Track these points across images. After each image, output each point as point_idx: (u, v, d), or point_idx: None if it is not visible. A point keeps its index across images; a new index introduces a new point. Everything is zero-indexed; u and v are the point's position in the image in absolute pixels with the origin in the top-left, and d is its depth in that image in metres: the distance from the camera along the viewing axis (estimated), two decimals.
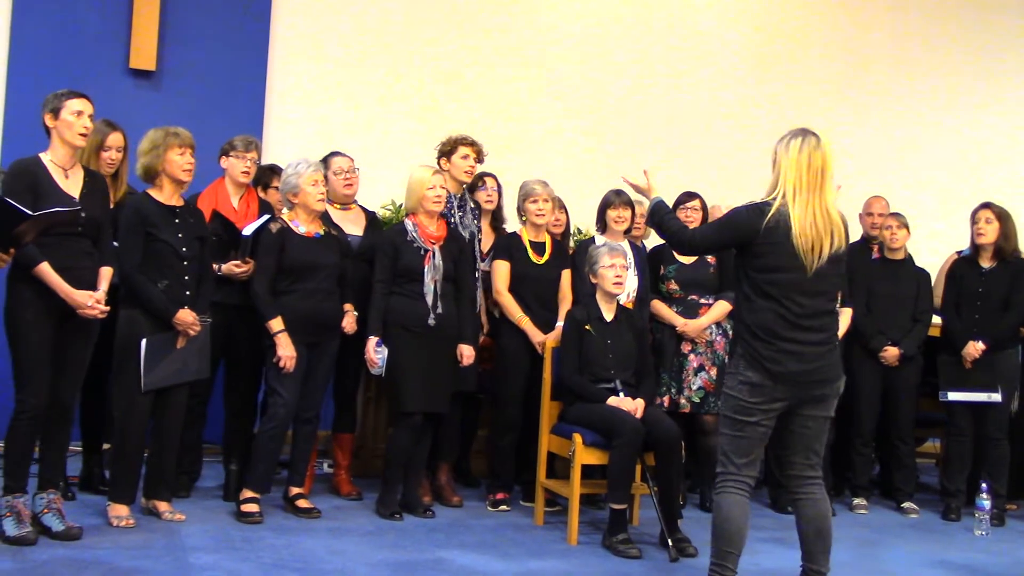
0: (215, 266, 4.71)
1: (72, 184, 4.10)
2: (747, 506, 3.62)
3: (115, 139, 4.72)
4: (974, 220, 5.67)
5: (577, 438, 4.63)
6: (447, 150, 5.31)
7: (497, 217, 5.78)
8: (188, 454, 4.96)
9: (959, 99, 8.48)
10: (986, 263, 5.64)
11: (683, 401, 5.36)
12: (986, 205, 5.67)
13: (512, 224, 5.80)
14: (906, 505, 5.71)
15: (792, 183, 3.53)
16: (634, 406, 4.66)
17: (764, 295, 3.54)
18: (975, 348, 5.51)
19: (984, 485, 5.33)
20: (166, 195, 4.43)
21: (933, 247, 6.20)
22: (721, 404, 3.74)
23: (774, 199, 3.56)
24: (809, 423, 3.63)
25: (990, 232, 5.59)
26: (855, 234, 6.42)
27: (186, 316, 4.34)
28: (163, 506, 4.53)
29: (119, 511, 4.37)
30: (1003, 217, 5.61)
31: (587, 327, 4.86)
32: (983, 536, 5.22)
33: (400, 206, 5.59)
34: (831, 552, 3.66)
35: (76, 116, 4.05)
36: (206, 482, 5.22)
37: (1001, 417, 5.59)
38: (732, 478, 3.61)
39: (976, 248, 5.67)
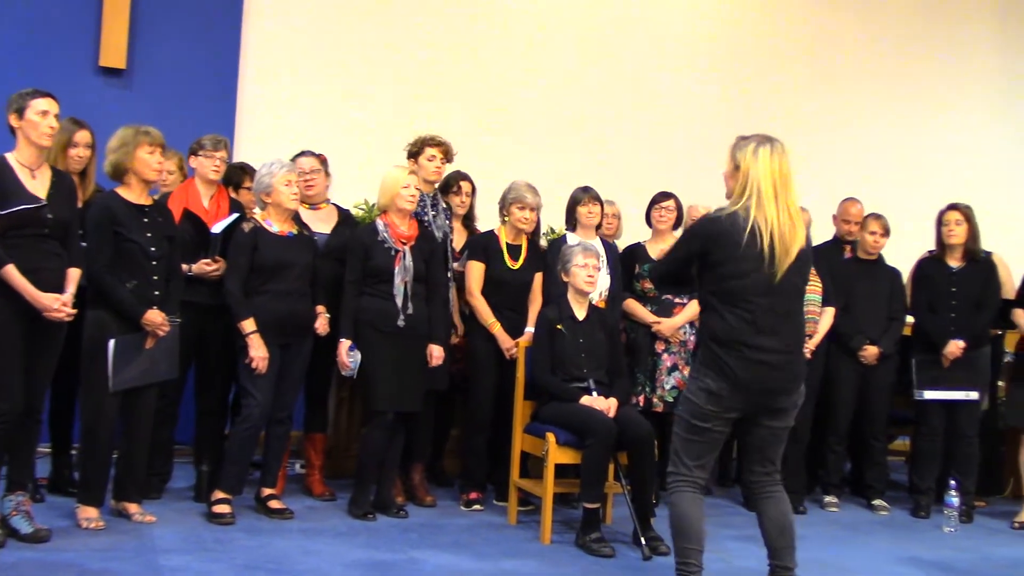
0: (185, 266, 4.68)
1: (39, 184, 4.06)
2: (701, 502, 3.63)
3: (83, 136, 4.67)
4: (943, 222, 5.71)
5: (550, 437, 4.63)
6: (414, 151, 5.30)
7: (469, 217, 5.77)
8: (159, 455, 4.91)
9: (926, 101, 8.57)
10: (954, 263, 5.69)
11: (656, 400, 5.38)
12: (954, 207, 5.72)
13: (484, 223, 5.79)
14: (877, 502, 5.76)
15: (768, 188, 3.51)
16: (607, 405, 4.67)
17: (728, 301, 3.53)
18: (957, 347, 5.55)
19: (953, 482, 5.39)
20: (135, 194, 4.39)
21: (900, 246, 6.25)
22: (679, 406, 3.74)
23: (738, 205, 3.54)
24: (765, 432, 3.63)
25: (960, 233, 5.64)
26: (826, 235, 6.48)
27: (155, 316, 4.31)
28: (133, 508, 4.49)
29: (88, 513, 4.33)
30: (970, 218, 5.68)
31: (559, 326, 4.87)
32: (952, 533, 5.28)
33: (373, 205, 5.57)
34: (796, 549, 3.67)
35: (41, 116, 4.01)
36: (177, 483, 5.17)
37: (973, 415, 5.65)
38: (683, 478, 3.62)
39: (943, 248, 5.72)
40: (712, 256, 3.53)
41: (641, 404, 5.34)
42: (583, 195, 5.43)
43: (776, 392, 3.56)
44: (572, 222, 5.46)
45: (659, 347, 5.41)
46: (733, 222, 3.50)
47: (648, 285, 5.51)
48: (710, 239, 3.53)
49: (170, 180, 5.09)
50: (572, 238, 5.37)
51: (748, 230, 3.48)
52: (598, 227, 5.51)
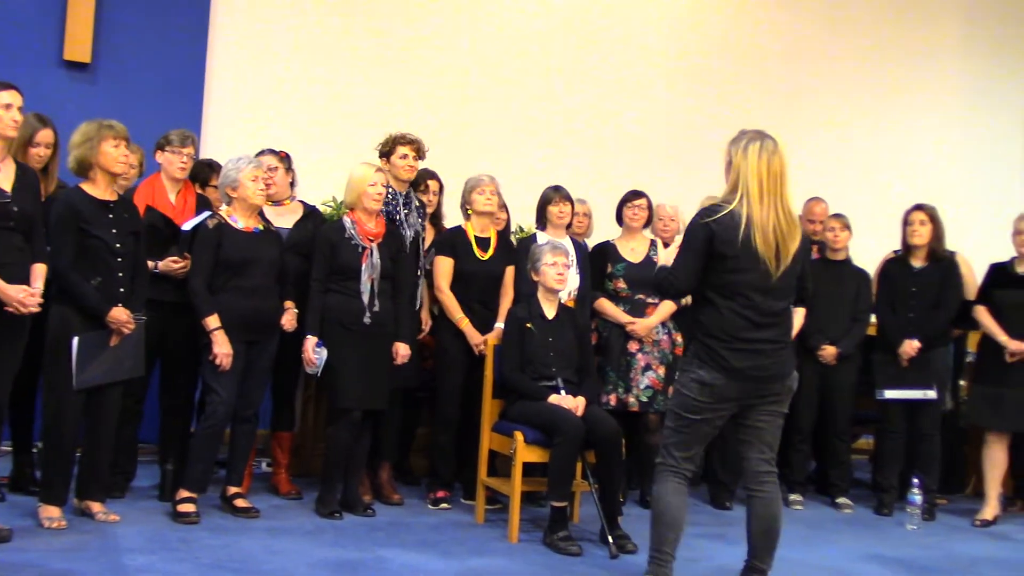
0: (152, 263, 4.63)
1: (3, 178, 4.00)
2: (685, 494, 3.68)
3: (45, 135, 4.59)
4: (907, 222, 5.77)
5: (518, 436, 4.63)
6: (386, 150, 5.28)
7: (437, 215, 5.77)
8: (123, 453, 4.86)
9: (892, 104, 8.67)
10: (918, 263, 5.75)
11: (631, 400, 5.38)
12: (919, 207, 5.78)
13: (452, 222, 5.78)
14: (841, 500, 5.81)
15: (754, 187, 3.54)
16: (575, 404, 4.68)
17: (725, 296, 3.57)
18: (911, 346, 5.61)
19: (915, 480, 5.45)
20: (100, 189, 4.34)
21: (866, 245, 6.32)
22: (670, 400, 3.77)
23: (730, 202, 3.56)
24: (763, 418, 3.68)
25: (924, 233, 5.71)
26: None
27: (120, 314, 4.26)
28: (96, 507, 4.44)
29: (51, 512, 4.27)
30: (935, 218, 5.74)
31: (528, 325, 4.87)
32: (914, 530, 5.34)
33: (341, 203, 5.55)
34: (775, 552, 3.71)
35: (4, 109, 3.96)
36: (141, 482, 5.12)
37: (934, 414, 5.72)
38: (671, 469, 3.66)
39: (908, 248, 5.79)
40: (716, 252, 3.55)
41: (613, 403, 5.35)
42: (554, 194, 5.44)
43: (770, 379, 3.61)
44: (543, 221, 5.47)
45: (632, 347, 5.42)
46: (732, 218, 3.54)
47: (621, 285, 5.52)
48: (714, 235, 3.54)
49: (131, 174, 5.00)
50: (542, 237, 5.38)
51: (744, 227, 3.52)
52: (568, 226, 5.52)
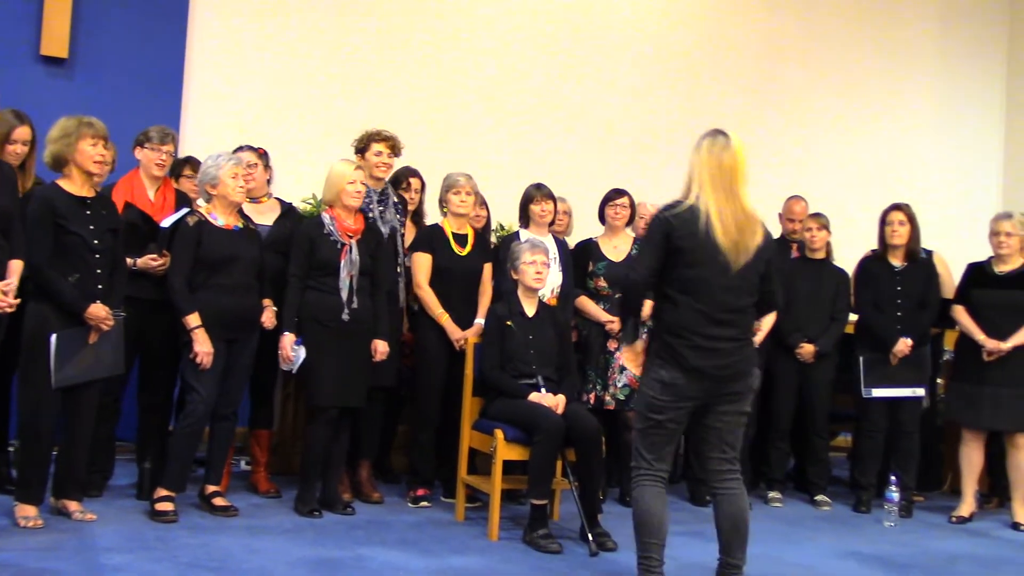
0: (130, 260, 4.60)
1: None
2: (664, 496, 3.67)
3: (22, 133, 4.53)
4: (886, 221, 5.80)
5: (498, 434, 4.63)
6: (361, 147, 5.26)
7: (419, 213, 5.75)
8: (100, 452, 4.83)
9: (869, 104, 8.72)
10: (897, 262, 5.78)
11: (608, 398, 5.39)
12: (897, 207, 5.82)
13: (433, 220, 5.77)
14: (819, 498, 5.84)
15: (707, 181, 3.58)
16: (555, 402, 4.68)
17: (684, 292, 3.58)
18: (906, 344, 5.63)
19: (893, 478, 5.49)
20: (77, 186, 4.31)
21: (845, 243, 6.36)
22: (635, 400, 3.77)
23: (687, 197, 3.60)
24: (723, 418, 3.68)
25: (904, 233, 5.74)
26: (773, 233, 6.55)
27: (98, 311, 4.23)
28: (73, 506, 4.41)
29: (27, 511, 4.24)
30: (912, 218, 5.78)
31: (508, 323, 4.87)
32: (892, 527, 5.37)
33: (321, 200, 5.53)
34: (747, 545, 3.72)
35: None
36: (119, 481, 5.09)
37: (915, 411, 5.76)
38: (646, 471, 3.66)
39: (885, 247, 5.82)
40: (674, 246, 3.57)
41: (592, 402, 5.35)
42: (536, 192, 5.44)
43: (730, 377, 3.61)
44: (525, 219, 5.47)
45: (611, 345, 5.43)
46: (692, 213, 3.56)
47: (602, 283, 5.53)
48: (674, 230, 3.56)
49: (104, 171, 4.93)
50: (524, 234, 5.38)
51: (702, 220, 3.54)
52: (551, 224, 5.52)
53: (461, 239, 5.30)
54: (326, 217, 4.90)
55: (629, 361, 5.09)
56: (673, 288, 3.60)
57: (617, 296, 5.49)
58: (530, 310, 4.95)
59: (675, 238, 3.56)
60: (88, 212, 4.30)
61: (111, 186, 4.83)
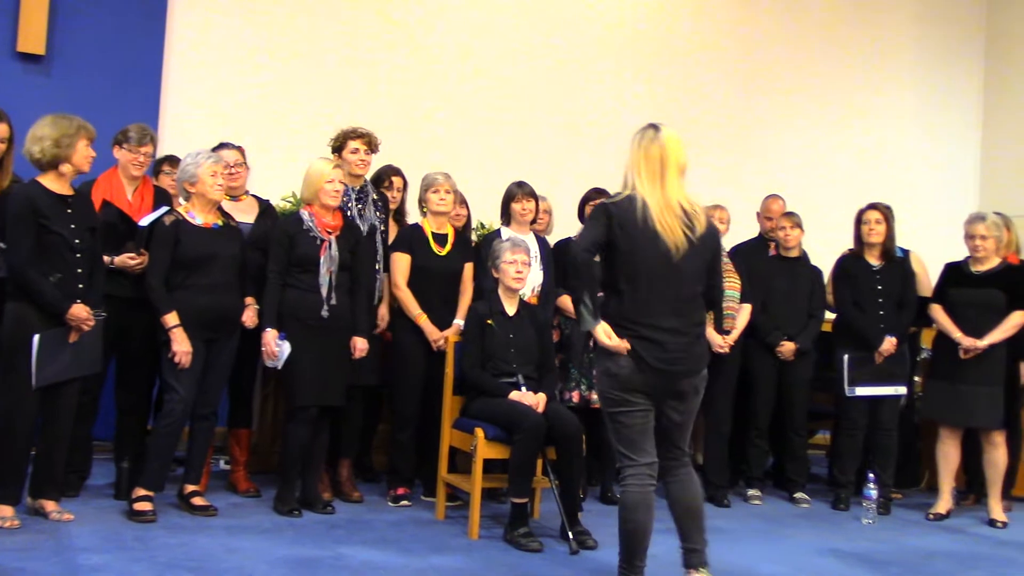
0: (107, 258, 4.56)
1: None
2: (649, 500, 3.63)
3: (0, 130, 4.51)
4: (863, 220, 5.84)
5: (479, 432, 4.63)
6: (337, 145, 5.25)
7: (401, 211, 5.74)
8: (77, 452, 4.78)
9: (845, 103, 8.79)
10: (875, 261, 5.82)
11: (594, 396, 5.38)
12: (873, 206, 5.85)
13: (415, 218, 5.76)
14: (798, 495, 5.87)
15: (637, 174, 3.64)
16: (535, 400, 4.68)
17: (628, 280, 3.60)
18: (891, 343, 5.67)
19: (871, 475, 5.52)
20: (58, 184, 4.27)
21: (818, 244, 6.40)
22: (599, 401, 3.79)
23: (627, 189, 3.66)
24: (672, 416, 3.68)
25: (880, 232, 5.78)
26: (752, 231, 6.59)
27: (80, 311, 4.19)
28: (50, 506, 4.37)
29: (3, 511, 4.20)
30: (889, 217, 5.82)
31: (489, 321, 4.87)
32: (870, 524, 5.41)
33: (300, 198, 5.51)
34: (705, 529, 3.73)
35: None
36: (96, 480, 5.06)
37: (894, 409, 5.81)
38: (631, 470, 3.64)
39: (862, 246, 5.85)
40: (615, 234, 3.59)
41: (576, 400, 5.36)
42: (518, 191, 5.44)
43: (677, 374, 3.61)
44: (506, 217, 5.47)
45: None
46: (630, 203, 3.60)
47: None
48: (614, 217, 3.60)
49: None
50: (506, 232, 5.37)
51: (640, 211, 3.57)
52: (532, 223, 5.52)
53: (441, 239, 5.29)
54: (305, 214, 4.88)
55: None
56: (617, 278, 3.62)
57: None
58: (511, 309, 4.95)
59: (615, 225, 3.59)
60: (69, 211, 4.27)
61: (90, 183, 4.79)
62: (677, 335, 3.59)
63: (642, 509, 3.61)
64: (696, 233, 3.62)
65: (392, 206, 5.58)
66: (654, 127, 3.72)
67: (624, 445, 3.65)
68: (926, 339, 6.19)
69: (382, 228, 5.34)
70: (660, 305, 3.58)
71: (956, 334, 5.53)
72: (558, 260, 5.54)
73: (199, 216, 4.66)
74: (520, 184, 5.47)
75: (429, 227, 5.30)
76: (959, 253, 5.79)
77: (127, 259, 4.65)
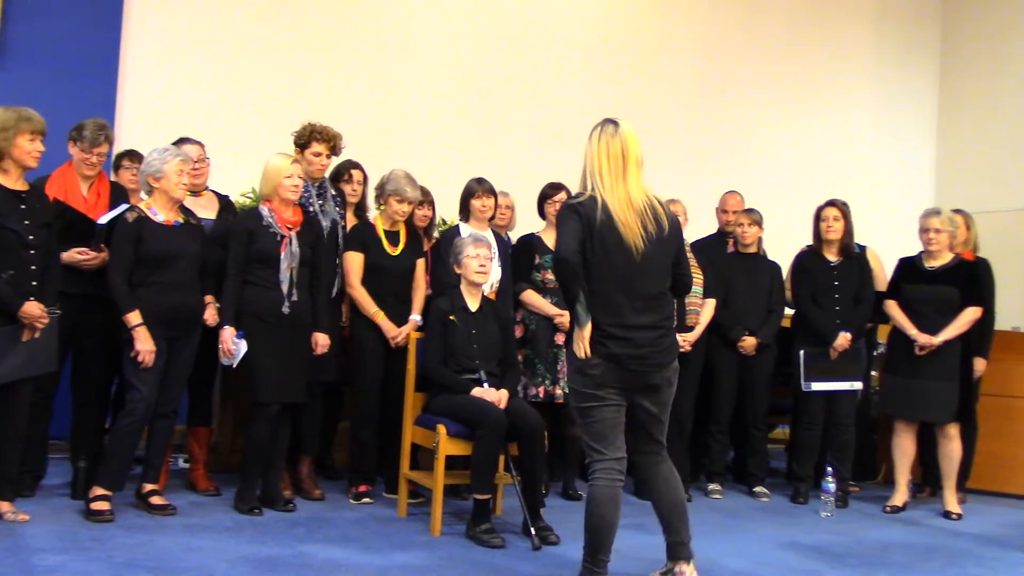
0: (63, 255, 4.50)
1: None
2: (617, 495, 3.65)
3: None
4: (821, 217, 5.90)
5: (441, 429, 4.62)
6: (301, 143, 5.21)
7: (361, 206, 5.71)
8: (32, 451, 4.70)
9: (806, 101, 8.88)
10: (832, 257, 5.88)
11: (558, 392, 5.39)
12: (831, 203, 5.91)
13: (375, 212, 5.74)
14: (758, 489, 5.93)
15: (597, 172, 3.65)
16: (498, 397, 4.68)
17: (597, 279, 3.61)
18: (846, 339, 5.72)
19: (830, 469, 5.59)
20: (11, 179, 4.20)
21: (779, 240, 6.46)
22: (570, 396, 3.80)
23: (588, 188, 3.66)
24: (648, 408, 3.71)
25: (838, 228, 5.84)
26: (711, 227, 6.64)
27: (33, 309, 4.13)
28: (5, 506, 4.31)
29: None
30: (847, 214, 5.88)
31: (451, 317, 4.86)
32: (828, 517, 5.47)
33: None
34: (690, 523, 3.77)
35: None
36: (52, 480, 4.99)
37: (851, 404, 5.87)
38: (599, 465, 3.66)
39: (820, 242, 5.91)
40: (584, 236, 3.60)
41: (541, 395, 5.36)
42: (477, 187, 5.43)
43: (647, 369, 3.64)
44: (465, 213, 5.46)
45: (560, 339, 5.43)
46: (592, 202, 3.61)
47: (549, 276, 5.53)
48: (580, 216, 3.61)
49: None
50: (465, 229, 5.37)
51: (601, 209, 3.59)
52: (491, 219, 5.52)
53: (393, 237, 5.28)
54: (264, 209, 4.84)
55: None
56: (586, 278, 3.62)
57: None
58: (473, 304, 4.94)
59: (584, 226, 3.59)
60: (23, 207, 4.20)
61: (44, 178, 4.72)
62: (646, 330, 3.62)
63: (609, 504, 3.63)
64: (661, 226, 3.64)
65: (352, 200, 5.55)
66: (613, 122, 3.72)
67: (594, 439, 3.66)
68: (882, 334, 6.27)
69: (342, 224, 5.31)
70: (628, 303, 3.60)
71: (912, 331, 5.60)
72: (522, 255, 5.54)
73: (161, 213, 4.60)
74: (480, 180, 5.47)
75: (381, 225, 5.28)
76: (915, 249, 5.86)
77: (75, 254, 4.57)
